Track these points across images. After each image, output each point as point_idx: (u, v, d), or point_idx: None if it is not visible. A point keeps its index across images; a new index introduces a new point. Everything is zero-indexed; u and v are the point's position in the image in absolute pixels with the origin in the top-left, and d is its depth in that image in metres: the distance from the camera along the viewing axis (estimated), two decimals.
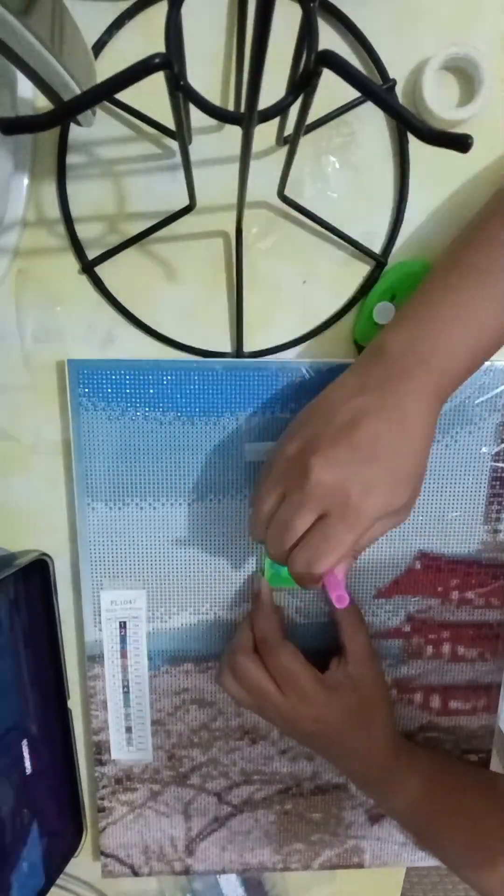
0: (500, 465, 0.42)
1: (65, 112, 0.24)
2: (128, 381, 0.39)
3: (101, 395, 0.40)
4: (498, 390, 0.41)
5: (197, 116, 0.31)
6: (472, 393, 0.41)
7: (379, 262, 0.40)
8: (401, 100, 0.39)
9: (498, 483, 0.42)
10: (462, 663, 0.46)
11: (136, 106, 0.37)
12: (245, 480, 0.41)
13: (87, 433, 0.40)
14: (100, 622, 0.43)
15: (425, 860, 0.50)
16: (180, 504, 0.42)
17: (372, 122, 0.39)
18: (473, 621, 0.45)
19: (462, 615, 0.45)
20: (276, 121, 0.34)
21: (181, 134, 0.28)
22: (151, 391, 0.40)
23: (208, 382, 0.40)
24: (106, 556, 0.42)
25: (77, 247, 0.39)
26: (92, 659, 0.44)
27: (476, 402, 0.41)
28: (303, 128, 0.28)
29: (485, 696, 0.46)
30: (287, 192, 0.38)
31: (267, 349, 0.41)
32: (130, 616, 0.43)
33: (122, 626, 0.43)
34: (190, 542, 0.42)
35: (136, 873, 0.49)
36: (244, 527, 0.42)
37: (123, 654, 0.44)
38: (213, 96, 0.38)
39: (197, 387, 0.40)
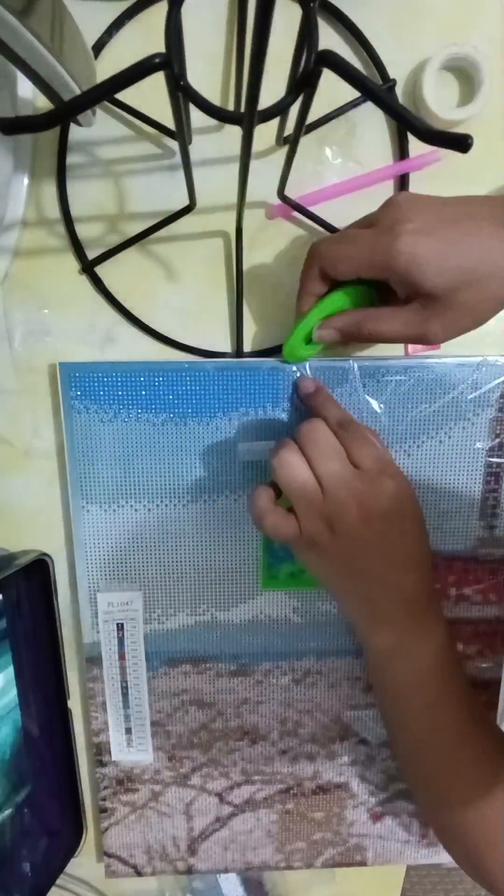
0: (495, 460, 0.42)
1: (65, 112, 0.24)
2: (120, 384, 0.39)
3: (93, 397, 0.39)
4: (490, 385, 0.41)
5: (197, 116, 0.31)
6: (465, 388, 0.41)
7: None
8: (401, 100, 0.39)
9: (493, 478, 0.42)
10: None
11: (136, 106, 0.37)
12: (239, 481, 0.41)
13: (81, 436, 0.40)
14: (97, 624, 0.43)
15: (427, 858, 0.50)
16: (175, 505, 0.42)
17: (372, 121, 0.39)
18: (471, 618, 0.45)
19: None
20: (276, 121, 0.34)
21: (181, 134, 0.28)
22: (143, 393, 0.40)
23: (200, 383, 0.40)
24: (102, 558, 0.42)
25: (77, 247, 0.39)
26: (91, 660, 0.44)
27: (469, 397, 0.41)
28: (303, 128, 0.28)
29: (484, 694, 0.46)
30: (287, 192, 0.38)
31: (267, 349, 0.41)
32: (128, 618, 0.43)
33: (120, 627, 0.43)
34: (185, 543, 0.42)
35: (139, 873, 0.49)
36: (240, 527, 0.42)
37: (121, 656, 0.44)
38: (213, 96, 0.38)
39: (189, 388, 0.40)
